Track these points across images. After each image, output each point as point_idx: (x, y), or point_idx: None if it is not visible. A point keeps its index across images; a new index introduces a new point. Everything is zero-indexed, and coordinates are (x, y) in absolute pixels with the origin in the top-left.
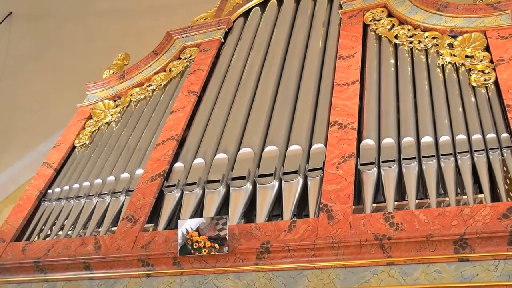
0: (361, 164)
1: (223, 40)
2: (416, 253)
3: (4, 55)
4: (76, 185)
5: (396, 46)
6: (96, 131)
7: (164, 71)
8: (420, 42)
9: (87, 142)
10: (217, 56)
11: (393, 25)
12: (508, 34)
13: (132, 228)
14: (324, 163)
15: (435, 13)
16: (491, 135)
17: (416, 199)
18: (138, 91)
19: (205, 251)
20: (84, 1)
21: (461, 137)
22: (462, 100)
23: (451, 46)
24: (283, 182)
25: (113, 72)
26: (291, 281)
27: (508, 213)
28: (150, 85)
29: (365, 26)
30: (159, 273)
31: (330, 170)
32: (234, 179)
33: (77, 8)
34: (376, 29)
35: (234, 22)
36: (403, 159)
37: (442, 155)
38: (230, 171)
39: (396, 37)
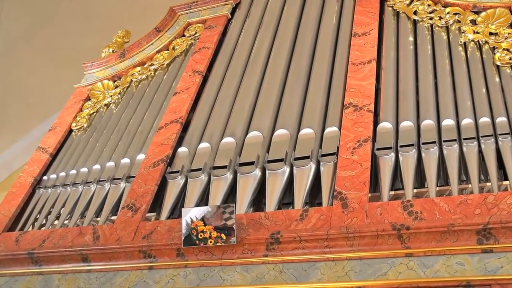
0: (378, 149)
1: (230, 16)
2: (437, 244)
3: None
4: (73, 171)
5: (415, 22)
6: (95, 114)
7: (167, 50)
8: (440, 18)
9: (85, 125)
10: (223, 34)
11: (412, 0)
12: None
13: (133, 217)
14: (338, 147)
15: None
16: None
17: (437, 186)
18: (139, 71)
19: (211, 242)
20: None
21: (484, 120)
22: (486, 81)
23: (474, 22)
24: (294, 168)
25: (113, 51)
26: (303, 273)
27: None
28: (152, 64)
29: (382, 1)
30: (162, 265)
31: (345, 155)
32: (242, 164)
33: None
34: (394, 4)
35: None
36: (423, 143)
37: (464, 139)
38: (238, 156)
39: (415, 13)
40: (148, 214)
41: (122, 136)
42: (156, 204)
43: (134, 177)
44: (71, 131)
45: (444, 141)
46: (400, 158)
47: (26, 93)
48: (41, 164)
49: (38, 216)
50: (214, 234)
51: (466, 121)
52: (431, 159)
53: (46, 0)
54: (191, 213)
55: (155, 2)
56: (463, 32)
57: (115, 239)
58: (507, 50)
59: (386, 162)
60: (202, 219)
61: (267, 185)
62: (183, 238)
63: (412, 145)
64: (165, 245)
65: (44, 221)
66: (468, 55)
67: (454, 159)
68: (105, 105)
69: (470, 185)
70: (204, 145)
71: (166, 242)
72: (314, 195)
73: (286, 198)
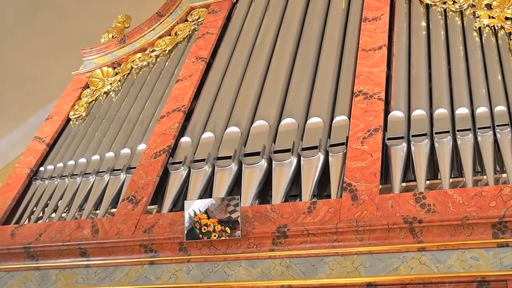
0: (389, 139)
1: (235, 0)
2: (450, 238)
3: None
4: (71, 162)
5: (428, 7)
6: (94, 102)
7: (169, 35)
8: (454, 2)
9: (84, 114)
10: (228, 18)
11: None
12: None
13: (134, 210)
14: (347, 137)
15: None
16: None
17: (450, 177)
18: (140, 57)
19: (214, 236)
20: None
21: (500, 108)
22: (502, 67)
23: (489, 7)
24: (302, 158)
25: (113, 36)
26: (310, 269)
27: None
28: (153, 51)
29: None
30: (164, 260)
31: (354, 145)
32: (247, 155)
33: None
34: None
35: None
36: (436, 133)
37: (479, 128)
38: (243, 146)
39: None
40: (149, 207)
41: (122, 126)
42: (158, 197)
43: (134, 168)
44: (69, 120)
45: (458, 130)
46: (412, 148)
47: (22, 81)
48: (38, 154)
49: (35, 208)
50: (218, 227)
51: (481, 110)
52: (445, 149)
53: None
54: (194, 206)
55: None
56: (478, 17)
57: (114, 233)
58: None
59: (398, 153)
60: (206, 212)
61: (274, 176)
62: (185, 231)
63: (425, 134)
64: (167, 239)
65: (41, 214)
66: (483, 41)
67: (469, 150)
68: (105, 93)
69: (485, 177)
70: (207, 134)
71: (168, 236)
72: (322, 187)
73: (293, 190)
